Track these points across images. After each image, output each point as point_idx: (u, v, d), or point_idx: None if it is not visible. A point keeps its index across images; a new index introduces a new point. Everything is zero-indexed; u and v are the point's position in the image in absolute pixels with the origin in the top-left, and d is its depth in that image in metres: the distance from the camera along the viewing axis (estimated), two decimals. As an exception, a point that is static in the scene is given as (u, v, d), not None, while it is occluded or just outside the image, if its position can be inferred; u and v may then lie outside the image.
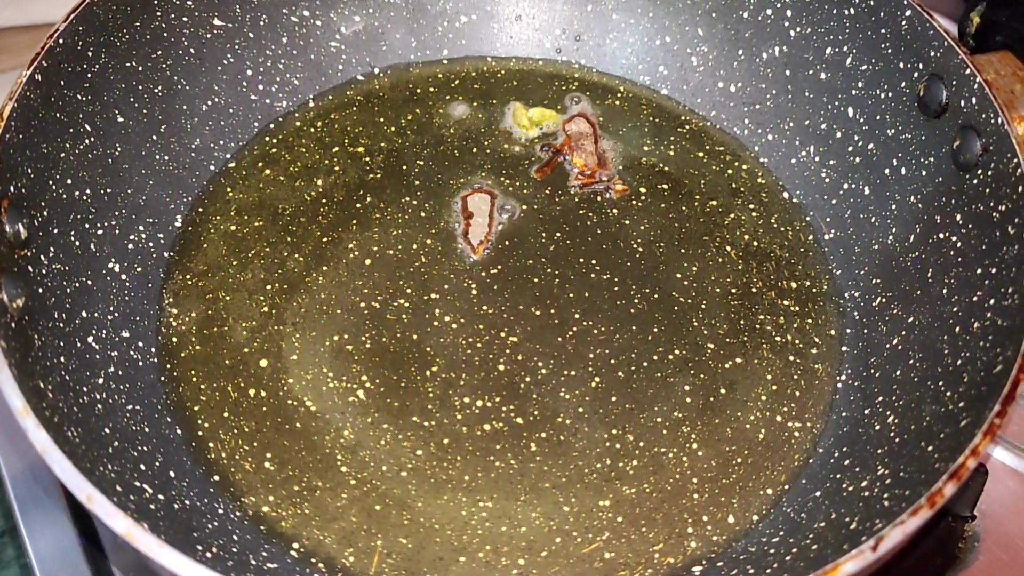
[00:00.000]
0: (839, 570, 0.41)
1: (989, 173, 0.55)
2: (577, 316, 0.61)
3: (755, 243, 0.65)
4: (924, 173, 0.60)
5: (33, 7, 0.83)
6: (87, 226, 0.58)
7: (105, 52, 0.60)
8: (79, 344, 0.55)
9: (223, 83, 0.67)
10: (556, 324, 0.61)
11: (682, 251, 0.64)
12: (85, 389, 0.53)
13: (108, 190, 0.60)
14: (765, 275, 0.63)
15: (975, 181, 0.56)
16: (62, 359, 0.53)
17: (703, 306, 0.62)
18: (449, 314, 0.61)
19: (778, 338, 0.61)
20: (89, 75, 0.59)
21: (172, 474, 0.53)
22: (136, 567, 0.57)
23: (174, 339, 0.60)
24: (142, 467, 0.52)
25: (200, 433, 0.56)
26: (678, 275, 0.63)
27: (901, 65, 0.61)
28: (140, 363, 0.58)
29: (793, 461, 0.56)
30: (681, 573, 0.52)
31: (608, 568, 0.52)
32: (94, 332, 0.56)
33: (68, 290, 0.55)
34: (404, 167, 0.68)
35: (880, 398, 0.56)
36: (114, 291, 0.58)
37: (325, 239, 0.64)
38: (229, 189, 0.66)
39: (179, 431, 0.56)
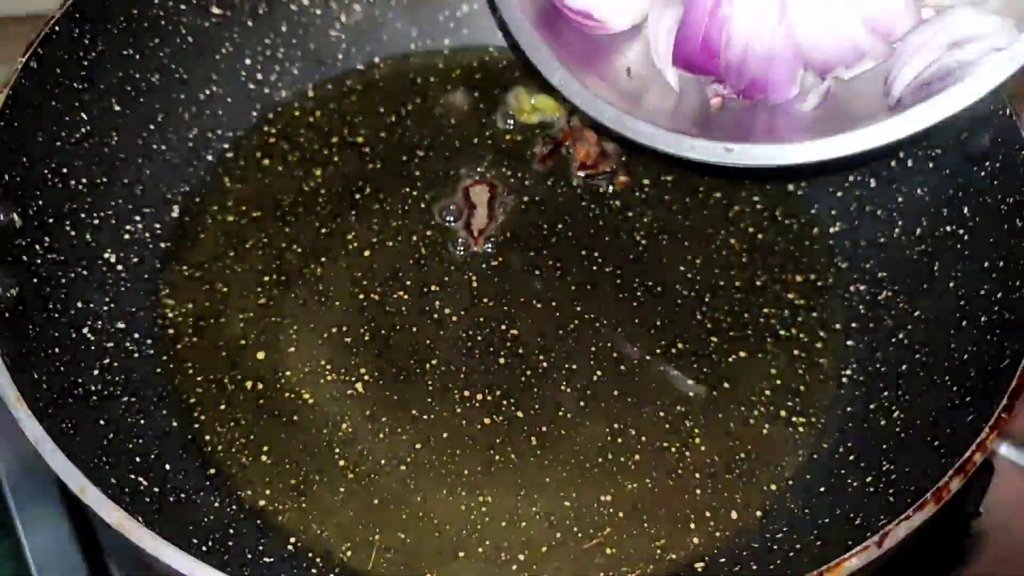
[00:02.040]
0: (843, 566, 0.41)
1: (997, 165, 0.55)
2: (579, 309, 0.60)
3: (759, 236, 0.64)
4: (931, 165, 0.59)
5: (28, -4, 0.82)
6: (82, 216, 0.57)
7: (102, 40, 0.59)
8: (74, 335, 0.54)
9: (221, 72, 0.66)
10: (557, 317, 0.60)
11: (685, 244, 0.63)
12: (80, 380, 0.52)
13: (104, 180, 0.59)
14: (769, 268, 0.63)
15: (983, 173, 0.56)
16: (56, 350, 0.52)
17: (706, 299, 0.61)
18: (449, 306, 0.60)
19: (782, 332, 0.60)
20: (85, 63, 0.58)
21: (167, 467, 0.53)
22: (132, 562, 0.56)
23: (170, 331, 0.59)
24: (137, 459, 0.52)
25: (196, 426, 0.56)
26: (681, 268, 0.62)
27: (908, 55, 0.61)
28: (136, 355, 0.57)
29: (797, 456, 0.55)
30: (684, 569, 0.52)
31: (610, 564, 0.52)
32: (89, 323, 0.55)
33: (63, 280, 0.55)
34: (404, 157, 0.67)
35: (885, 393, 0.56)
36: (110, 282, 0.58)
37: (324, 230, 0.63)
38: (227, 179, 0.65)
39: (175, 424, 0.55)
